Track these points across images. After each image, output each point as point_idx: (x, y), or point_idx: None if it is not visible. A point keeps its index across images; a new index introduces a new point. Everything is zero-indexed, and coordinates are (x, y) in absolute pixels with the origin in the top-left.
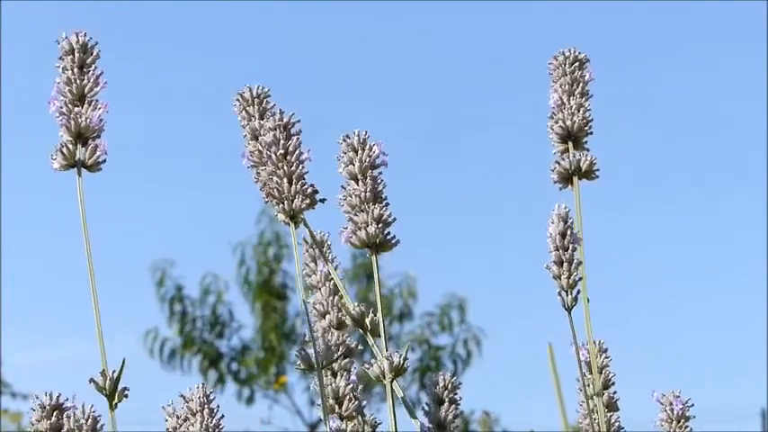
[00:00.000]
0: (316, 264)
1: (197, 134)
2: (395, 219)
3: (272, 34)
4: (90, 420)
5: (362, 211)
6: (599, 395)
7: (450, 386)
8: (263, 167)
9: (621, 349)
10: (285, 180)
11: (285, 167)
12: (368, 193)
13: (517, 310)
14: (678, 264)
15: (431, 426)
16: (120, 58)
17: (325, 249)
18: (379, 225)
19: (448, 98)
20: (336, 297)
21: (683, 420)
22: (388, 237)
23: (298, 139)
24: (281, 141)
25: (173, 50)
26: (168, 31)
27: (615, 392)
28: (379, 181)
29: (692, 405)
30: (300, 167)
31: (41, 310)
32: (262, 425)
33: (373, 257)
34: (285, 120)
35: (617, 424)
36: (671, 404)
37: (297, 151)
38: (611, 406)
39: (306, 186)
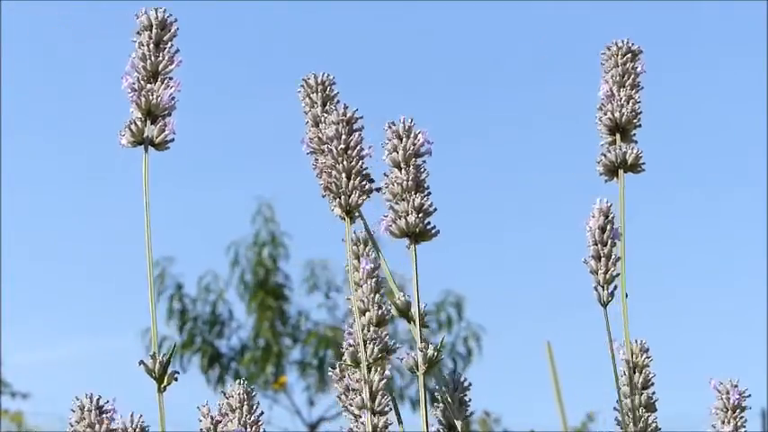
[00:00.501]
0: (359, 261)
1: (195, 130)
2: (435, 209)
3: (270, 33)
4: (138, 429)
5: (403, 199)
6: (639, 394)
7: (460, 387)
8: (322, 156)
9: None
10: (344, 175)
11: (345, 162)
12: (410, 182)
13: (517, 309)
14: (678, 263)
15: (441, 427)
16: (115, 57)
17: (368, 248)
18: (420, 215)
19: (447, 98)
20: (377, 295)
21: (738, 410)
22: (428, 227)
23: (360, 134)
24: (343, 136)
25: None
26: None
27: (654, 393)
28: (422, 170)
29: (749, 396)
30: (360, 163)
31: (41, 311)
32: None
33: (412, 247)
34: (349, 114)
35: (654, 424)
36: (728, 393)
37: (358, 147)
38: (650, 407)
39: (364, 182)
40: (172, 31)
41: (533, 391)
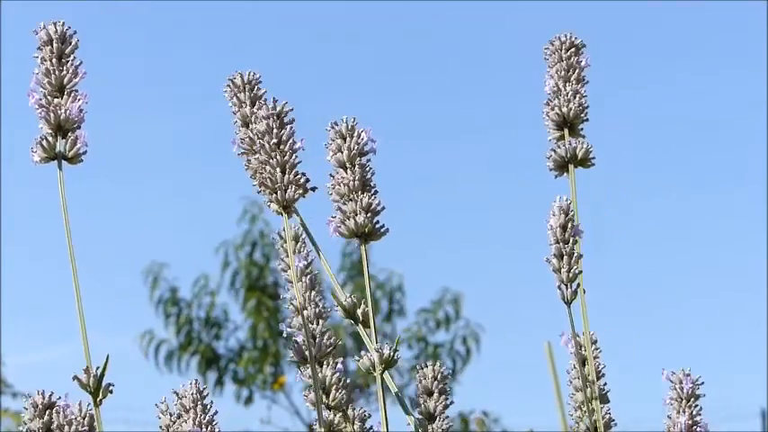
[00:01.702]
0: (290, 257)
1: (179, 132)
2: (384, 207)
3: (266, 31)
4: (87, 418)
5: (351, 200)
6: (592, 383)
7: (439, 376)
8: (254, 155)
9: (620, 348)
10: (278, 169)
11: (278, 157)
12: (356, 182)
13: (515, 307)
14: (677, 262)
15: (420, 417)
16: (115, 57)
17: (299, 244)
18: (368, 214)
19: (442, 94)
20: (314, 292)
21: (692, 399)
22: (378, 226)
23: (291, 128)
24: (275, 130)
25: (162, 53)
26: (156, 31)
27: (605, 384)
28: (367, 169)
29: (703, 383)
30: (294, 157)
31: (43, 311)
32: (261, 424)
33: (362, 247)
34: (278, 108)
35: (607, 416)
36: (681, 382)
37: (290, 140)
38: (602, 398)
39: (299, 176)
40: (73, 43)
41: (532, 391)
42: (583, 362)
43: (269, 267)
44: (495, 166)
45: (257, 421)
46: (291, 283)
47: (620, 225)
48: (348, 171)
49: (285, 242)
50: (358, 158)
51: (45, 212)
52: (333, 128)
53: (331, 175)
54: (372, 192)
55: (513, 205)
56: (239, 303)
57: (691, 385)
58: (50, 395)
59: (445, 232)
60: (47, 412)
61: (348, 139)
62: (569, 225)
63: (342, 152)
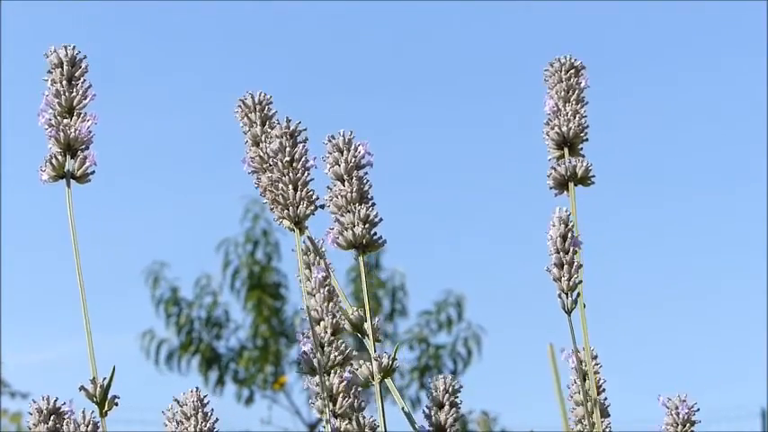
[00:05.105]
0: (310, 270)
1: (180, 132)
2: (381, 219)
3: (265, 30)
4: (90, 426)
5: (349, 211)
6: (595, 403)
7: (450, 389)
8: (265, 173)
9: (620, 350)
10: (291, 187)
11: (291, 174)
12: (354, 194)
13: (516, 309)
14: (677, 263)
15: (431, 429)
16: (116, 58)
17: (318, 257)
18: (366, 225)
19: (443, 96)
20: (331, 303)
21: (688, 425)
22: (375, 237)
23: (303, 146)
24: (288, 149)
25: (163, 53)
26: (156, 30)
27: (606, 399)
28: (365, 181)
29: (698, 410)
30: (306, 174)
31: (43, 311)
32: (262, 424)
33: (360, 258)
34: (291, 127)
35: (608, 430)
36: (677, 408)
37: (303, 158)
38: (602, 412)
39: (311, 193)
40: (83, 67)
41: (532, 392)
42: (584, 376)
43: (271, 266)
44: (499, 168)
45: (258, 421)
46: (311, 294)
47: (615, 225)
48: (346, 183)
49: (305, 254)
50: (355, 171)
51: (45, 213)
52: (330, 141)
53: (329, 187)
54: (370, 203)
55: (517, 208)
56: (240, 302)
57: (686, 411)
58: (55, 401)
59: (448, 234)
60: (51, 417)
61: (345, 152)
62: (569, 235)
63: (339, 165)
